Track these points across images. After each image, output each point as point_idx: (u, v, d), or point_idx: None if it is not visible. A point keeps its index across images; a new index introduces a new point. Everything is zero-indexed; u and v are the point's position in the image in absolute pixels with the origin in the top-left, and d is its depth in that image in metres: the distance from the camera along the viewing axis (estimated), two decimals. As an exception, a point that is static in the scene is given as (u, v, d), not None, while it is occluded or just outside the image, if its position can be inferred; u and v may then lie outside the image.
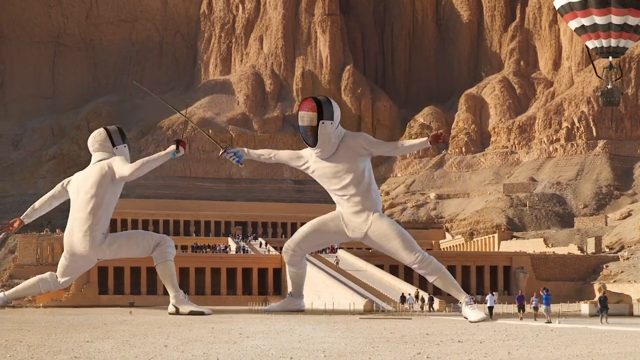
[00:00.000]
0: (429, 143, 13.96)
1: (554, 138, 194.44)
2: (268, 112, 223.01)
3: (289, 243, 15.07)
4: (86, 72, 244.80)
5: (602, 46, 56.28)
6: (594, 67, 58.72)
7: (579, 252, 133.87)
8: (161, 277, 15.91)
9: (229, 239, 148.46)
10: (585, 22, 55.59)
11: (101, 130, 15.93)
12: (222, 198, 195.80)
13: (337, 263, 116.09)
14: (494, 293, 70.73)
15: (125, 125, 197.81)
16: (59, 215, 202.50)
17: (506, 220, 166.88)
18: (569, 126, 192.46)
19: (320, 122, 14.49)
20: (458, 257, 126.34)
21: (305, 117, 14.62)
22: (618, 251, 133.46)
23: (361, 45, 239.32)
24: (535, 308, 49.95)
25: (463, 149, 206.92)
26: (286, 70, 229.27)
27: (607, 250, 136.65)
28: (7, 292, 16.29)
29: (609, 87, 59.29)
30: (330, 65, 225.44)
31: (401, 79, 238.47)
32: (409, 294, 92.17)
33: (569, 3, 55.75)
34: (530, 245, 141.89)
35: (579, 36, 59.51)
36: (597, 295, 69.82)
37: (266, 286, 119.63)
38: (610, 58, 57.06)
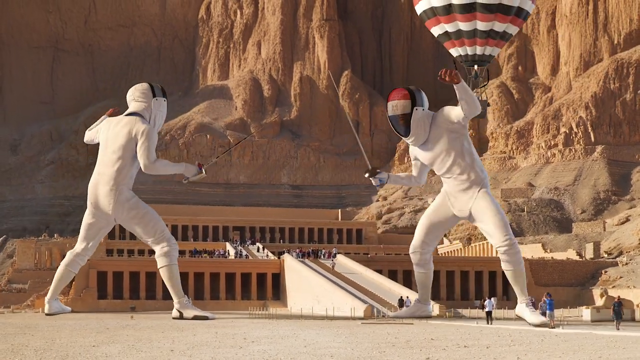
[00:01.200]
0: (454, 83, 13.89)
1: (552, 143, 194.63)
2: (266, 117, 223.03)
3: (415, 244, 15.10)
4: (85, 78, 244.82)
5: (467, 54, 51.69)
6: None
7: (577, 258, 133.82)
8: (165, 281, 15.91)
9: (227, 244, 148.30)
10: (449, 28, 50.92)
11: (144, 83, 16.27)
12: (220, 203, 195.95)
13: (333, 267, 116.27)
14: (492, 298, 70.75)
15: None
16: (57, 220, 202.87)
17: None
18: (567, 131, 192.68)
19: (415, 108, 14.53)
20: (457, 262, 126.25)
21: (399, 105, 14.62)
22: (616, 256, 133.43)
23: (359, 50, 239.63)
24: (544, 313, 50.00)
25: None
26: (284, 76, 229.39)
27: (606, 255, 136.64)
28: (48, 297, 16.30)
29: None
30: (328, 69, 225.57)
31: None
32: (407, 297, 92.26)
33: (431, 8, 50.92)
34: (529, 250, 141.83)
35: (442, 43, 54.80)
36: (599, 300, 69.92)
37: (265, 291, 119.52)
38: (476, 67, 52.35)
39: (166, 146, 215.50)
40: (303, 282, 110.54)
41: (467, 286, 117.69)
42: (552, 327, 47.28)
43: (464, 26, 50.30)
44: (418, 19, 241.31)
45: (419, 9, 52.12)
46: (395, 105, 14.97)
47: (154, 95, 15.88)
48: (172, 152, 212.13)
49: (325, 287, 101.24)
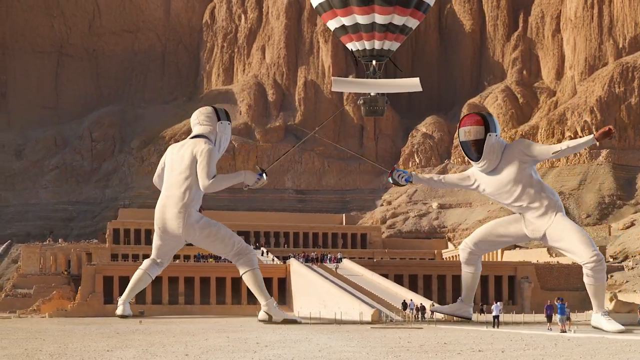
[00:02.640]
0: (595, 140, 13.98)
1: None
2: (270, 122, 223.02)
3: (467, 241, 15.18)
4: (89, 82, 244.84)
5: (365, 48, 50.00)
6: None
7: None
8: (249, 286, 15.99)
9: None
10: (346, 21, 48.95)
11: (208, 107, 16.45)
12: (224, 208, 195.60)
13: (336, 269, 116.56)
14: (498, 302, 70.75)
15: (128, 136, 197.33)
16: (61, 225, 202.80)
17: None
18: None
19: (488, 134, 14.64)
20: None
21: (472, 130, 14.73)
22: (622, 261, 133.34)
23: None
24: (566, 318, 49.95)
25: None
26: (288, 80, 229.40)
27: (611, 260, 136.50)
28: (123, 298, 16.31)
29: (372, 94, 51.77)
30: (333, 74, 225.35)
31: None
32: (411, 300, 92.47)
33: (327, 1, 48.71)
34: (534, 254, 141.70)
35: (339, 37, 52.65)
36: (607, 304, 69.69)
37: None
38: (374, 62, 50.57)
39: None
40: (309, 287, 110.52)
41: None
42: (564, 332, 47.29)
43: (361, 19, 48.32)
44: (423, 23, 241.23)
45: (315, 2, 50.29)
46: (469, 131, 15.09)
47: (219, 119, 15.97)
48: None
49: (332, 292, 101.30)
